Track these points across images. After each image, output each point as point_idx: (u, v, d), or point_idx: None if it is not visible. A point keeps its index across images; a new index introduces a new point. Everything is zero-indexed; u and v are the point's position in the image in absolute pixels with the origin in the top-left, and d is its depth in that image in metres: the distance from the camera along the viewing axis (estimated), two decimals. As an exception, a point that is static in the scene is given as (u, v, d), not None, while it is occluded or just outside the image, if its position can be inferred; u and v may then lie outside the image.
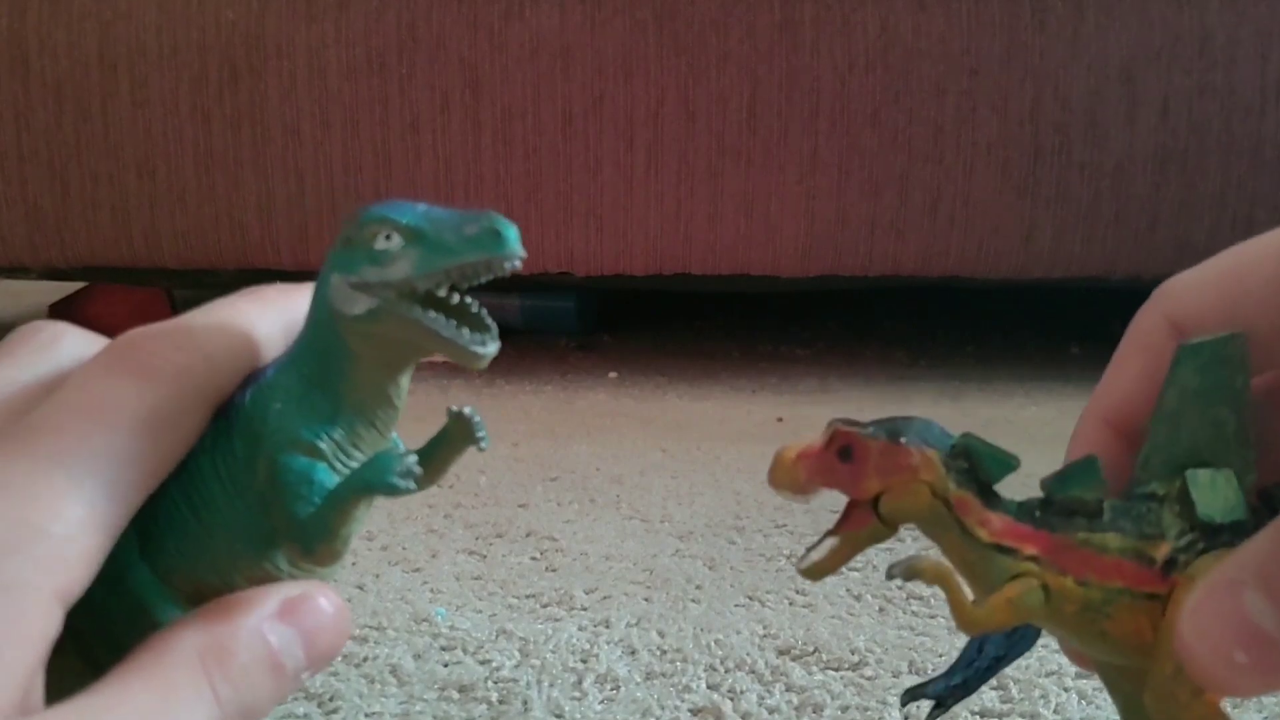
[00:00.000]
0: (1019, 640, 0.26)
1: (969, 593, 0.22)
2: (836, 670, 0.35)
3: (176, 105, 0.80)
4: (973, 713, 0.32)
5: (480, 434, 0.23)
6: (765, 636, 0.38)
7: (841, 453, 0.22)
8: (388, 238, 0.21)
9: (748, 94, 0.78)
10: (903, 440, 0.22)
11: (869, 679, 0.34)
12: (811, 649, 0.37)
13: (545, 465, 0.61)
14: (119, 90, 0.80)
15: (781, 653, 0.36)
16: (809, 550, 0.22)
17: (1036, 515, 0.22)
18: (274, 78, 0.79)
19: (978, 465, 0.22)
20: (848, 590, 0.42)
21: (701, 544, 0.48)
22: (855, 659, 0.36)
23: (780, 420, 0.73)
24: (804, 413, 0.75)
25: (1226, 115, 0.77)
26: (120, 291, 1.07)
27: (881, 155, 0.78)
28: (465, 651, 0.37)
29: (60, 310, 1.14)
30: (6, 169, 0.83)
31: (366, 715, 0.32)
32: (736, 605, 0.41)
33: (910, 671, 0.35)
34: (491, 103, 0.79)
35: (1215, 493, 0.21)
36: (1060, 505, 0.22)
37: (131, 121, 0.81)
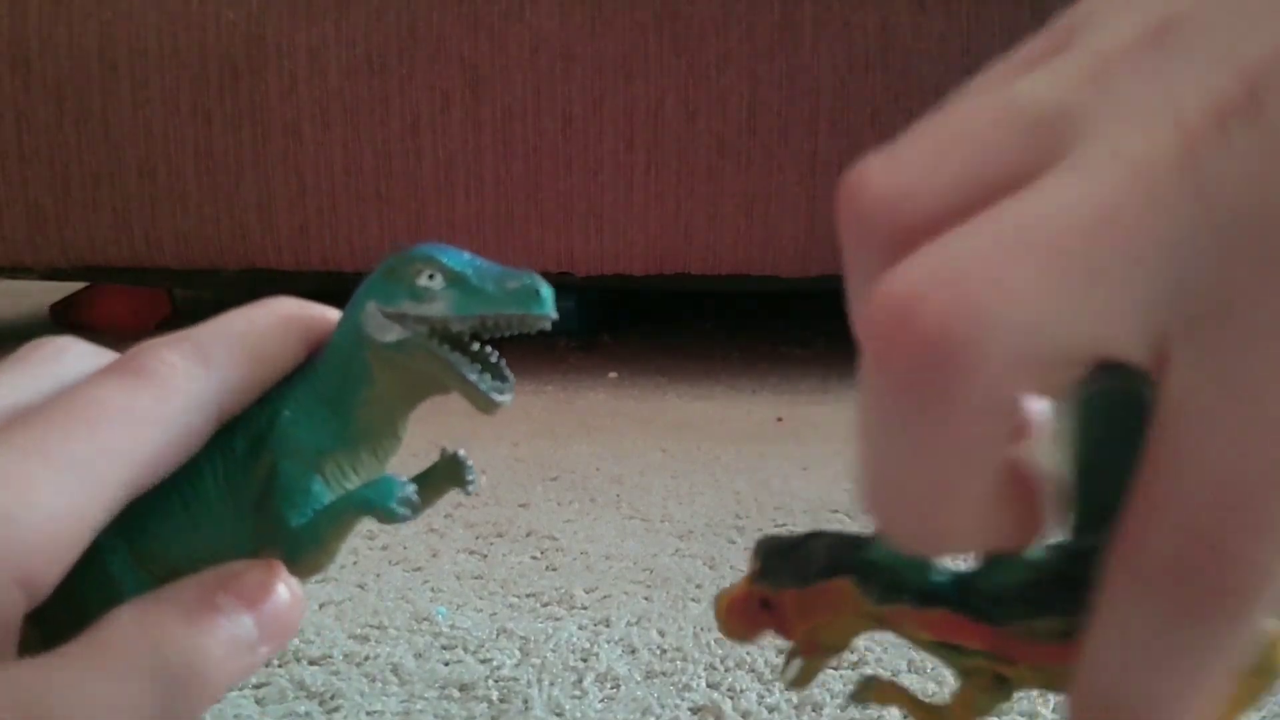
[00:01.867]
0: None
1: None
2: (836, 669, 0.35)
3: (177, 105, 0.80)
4: (972, 712, 0.32)
5: (469, 478, 0.24)
6: (765, 636, 0.38)
7: (762, 604, 0.22)
8: (431, 276, 0.22)
9: (748, 94, 0.78)
10: (816, 582, 0.21)
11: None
12: (811, 648, 0.37)
13: (546, 465, 0.61)
14: (120, 90, 0.81)
15: (781, 652, 0.37)
16: (785, 668, 0.23)
17: (975, 606, 0.20)
18: (274, 78, 0.79)
19: (899, 577, 0.21)
20: (847, 590, 0.42)
21: (701, 543, 0.48)
22: (854, 658, 0.36)
23: (780, 420, 0.73)
24: (804, 413, 0.75)
25: (1226, 115, 0.77)
26: (121, 291, 1.07)
27: (881, 155, 0.78)
28: (466, 650, 0.37)
29: (61, 310, 1.14)
30: (8, 169, 0.83)
31: (368, 714, 0.32)
32: (736, 605, 0.41)
33: (909, 670, 0.35)
34: (492, 103, 0.79)
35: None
36: (996, 592, 0.20)
37: (132, 122, 0.81)
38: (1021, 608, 0.20)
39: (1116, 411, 0.19)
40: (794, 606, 0.22)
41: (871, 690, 0.23)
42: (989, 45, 0.76)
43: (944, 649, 0.21)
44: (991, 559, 0.21)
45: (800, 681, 0.23)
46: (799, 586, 0.21)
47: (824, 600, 0.21)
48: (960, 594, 0.21)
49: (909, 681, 0.34)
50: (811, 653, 0.22)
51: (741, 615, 0.22)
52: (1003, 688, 0.21)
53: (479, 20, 0.78)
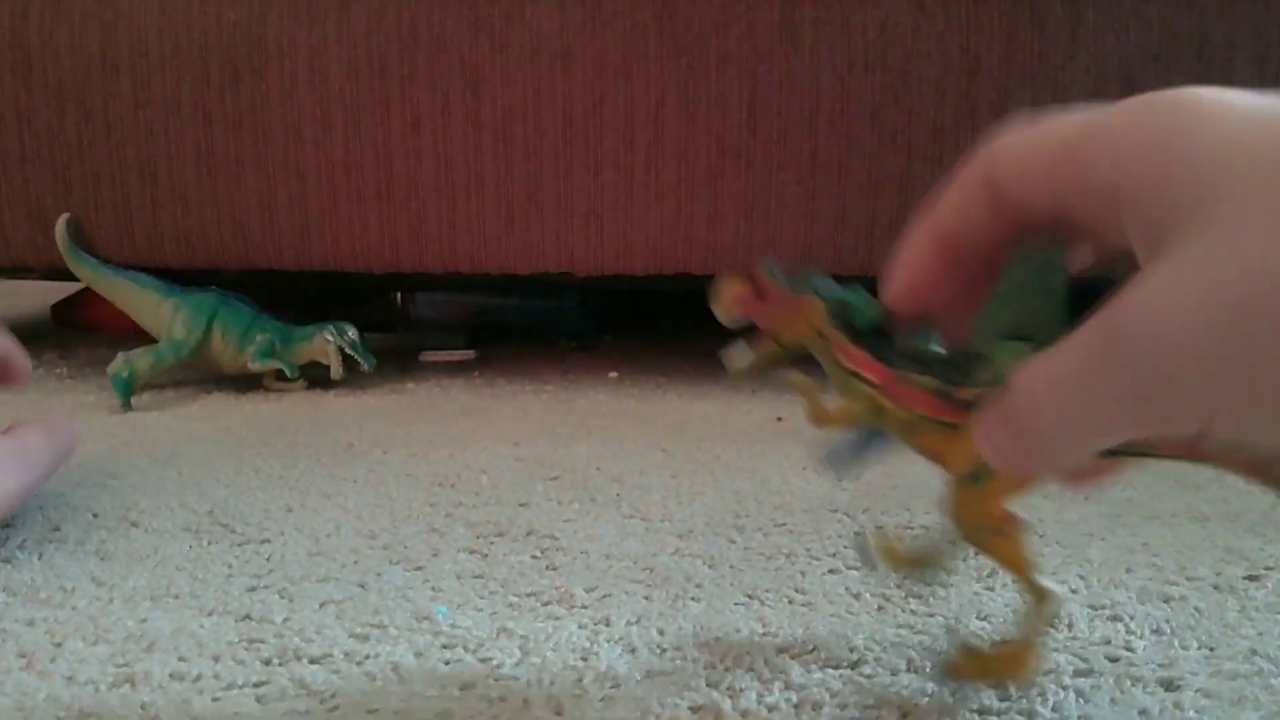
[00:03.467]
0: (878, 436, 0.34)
1: (829, 405, 0.32)
2: (835, 669, 0.35)
3: (178, 106, 0.81)
4: (971, 711, 0.32)
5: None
6: (764, 635, 0.38)
7: (758, 293, 0.31)
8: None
9: (748, 94, 0.78)
10: (800, 291, 0.31)
11: (868, 677, 0.35)
12: (810, 647, 0.37)
13: (546, 465, 0.61)
14: (121, 91, 0.81)
15: (780, 651, 0.37)
16: (728, 351, 0.32)
17: (884, 355, 0.30)
18: (275, 78, 0.79)
19: (852, 315, 0.30)
20: (846, 589, 0.42)
21: (701, 543, 0.48)
22: (854, 657, 0.36)
23: (780, 420, 0.73)
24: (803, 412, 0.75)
25: (1226, 116, 0.77)
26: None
27: (881, 155, 0.78)
28: (466, 649, 0.37)
29: (61, 310, 1.14)
30: (9, 169, 0.83)
31: (368, 712, 0.33)
32: (736, 604, 0.41)
33: (908, 670, 0.35)
34: (492, 103, 0.79)
35: (1011, 360, 0.27)
36: (905, 349, 0.29)
37: (134, 122, 0.81)
38: (915, 365, 0.29)
39: (1036, 268, 0.27)
40: (779, 300, 0.31)
41: (790, 379, 0.33)
42: (989, 45, 0.76)
43: (849, 376, 0.31)
44: (911, 332, 0.29)
45: (742, 373, 0.32)
46: (791, 289, 0.31)
47: (799, 305, 0.31)
48: (880, 343, 0.30)
49: (907, 681, 0.34)
50: (766, 347, 0.32)
51: (740, 296, 0.31)
52: (876, 415, 0.30)
53: (479, 21, 0.78)
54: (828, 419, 0.32)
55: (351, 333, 0.81)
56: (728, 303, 0.32)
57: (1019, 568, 0.31)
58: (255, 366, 0.80)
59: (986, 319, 0.28)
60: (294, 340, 0.81)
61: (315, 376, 0.83)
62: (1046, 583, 0.31)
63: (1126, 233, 0.22)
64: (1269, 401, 0.20)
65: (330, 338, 0.81)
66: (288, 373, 0.81)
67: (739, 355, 0.32)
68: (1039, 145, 0.24)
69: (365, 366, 0.81)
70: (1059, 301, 0.27)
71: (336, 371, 0.81)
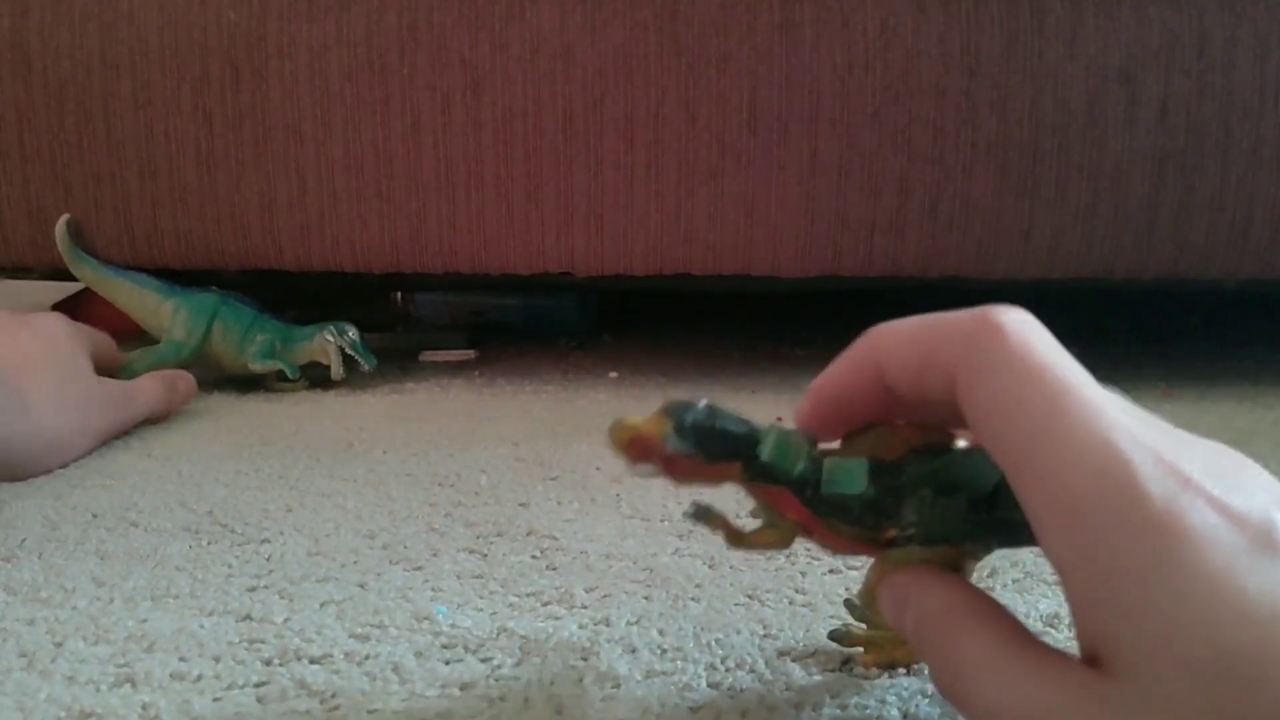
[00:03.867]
0: None
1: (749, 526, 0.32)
2: (836, 670, 0.35)
3: (179, 106, 0.81)
4: (971, 711, 0.32)
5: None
6: (765, 636, 0.38)
7: (664, 461, 0.29)
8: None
9: (748, 94, 0.78)
10: (716, 462, 0.29)
11: (868, 678, 0.35)
12: (811, 649, 0.37)
13: (546, 464, 0.61)
14: (121, 91, 0.81)
15: (782, 652, 0.37)
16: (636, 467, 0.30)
17: (808, 495, 0.29)
18: (276, 78, 0.79)
19: (772, 474, 0.29)
20: (847, 589, 0.42)
21: (701, 543, 0.48)
22: (854, 658, 0.36)
23: (780, 420, 0.73)
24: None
25: (1225, 116, 0.77)
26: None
27: (881, 155, 0.78)
28: (466, 649, 0.37)
29: (62, 310, 1.14)
30: (9, 169, 0.83)
31: (368, 712, 0.33)
32: (736, 604, 0.41)
33: (907, 672, 0.35)
34: (492, 103, 0.79)
35: (944, 520, 0.28)
36: (828, 499, 0.29)
37: (134, 122, 0.81)
38: (838, 513, 0.29)
39: (973, 463, 0.28)
40: (689, 466, 0.29)
41: (705, 516, 0.32)
42: (989, 45, 0.76)
43: (769, 508, 0.30)
44: (833, 469, 0.29)
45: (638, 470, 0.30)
46: (702, 459, 0.29)
47: (715, 471, 0.29)
48: (803, 486, 0.29)
49: (907, 682, 0.34)
50: (676, 482, 0.30)
51: (641, 454, 0.29)
52: (791, 542, 0.31)
53: (479, 21, 0.78)
54: (746, 544, 0.31)
55: (352, 333, 0.81)
56: (630, 456, 0.29)
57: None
58: (256, 367, 0.80)
59: (923, 467, 0.28)
60: (294, 340, 0.81)
61: (316, 377, 0.83)
62: None
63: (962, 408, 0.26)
64: None
65: (330, 338, 0.81)
66: (288, 373, 0.81)
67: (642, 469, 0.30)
68: (914, 336, 0.28)
69: (366, 367, 0.81)
70: (987, 473, 0.28)
71: (337, 372, 0.81)
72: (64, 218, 0.82)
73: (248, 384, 0.83)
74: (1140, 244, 0.79)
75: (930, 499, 0.28)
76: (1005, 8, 0.76)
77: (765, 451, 0.29)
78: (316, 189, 0.81)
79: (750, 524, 0.32)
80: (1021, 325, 0.25)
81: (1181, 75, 0.76)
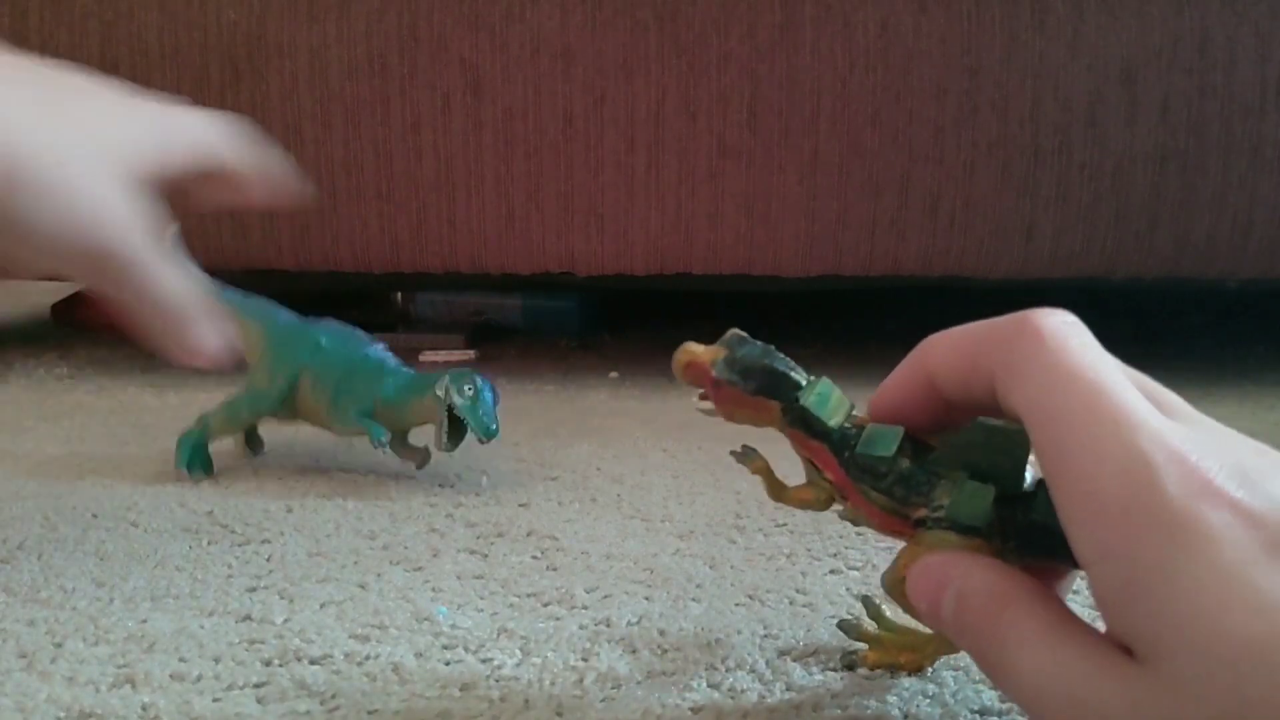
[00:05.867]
0: None
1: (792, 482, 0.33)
2: (836, 670, 0.35)
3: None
4: (972, 711, 0.32)
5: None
6: (765, 636, 0.38)
7: (714, 382, 0.31)
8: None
9: (748, 94, 0.78)
10: (758, 396, 0.30)
11: (869, 678, 0.35)
12: (812, 649, 0.37)
13: (546, 465, 0.61)
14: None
15: (782, 653, 0.37)
16: (700, 402, 0.32)
17: (845, 456, 0.30)
18: (275, 78, 0.79)
19: (808, 419, 0.30)
20: (847, 589, 0.42)
21: (702, 543, 0.48)
22: (855, 658, 0.36)
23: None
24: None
25: (1226, 116, 0.77)
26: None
27: (881, 155, 0.78)
28: (467, 650, 0.37)
29: (62, 310, 1.14)
30: (8, 169, 0.83)
31: (368, 713, 0.32)
32: (737, 604, 0.41)
33: (908, 672, 0.35)
34: (492, 103, 0.79)
35: (971, 502, 0.28)
36: (861, 461, 0.30)
37: (133, 122, 0.81)
38: (870, 478, 0.29)
39: (998, 435, 0.28)
40: (733, 397, 0.31)
41: (749, 459, 0.33)
42: (989, 45, 0.76)
43: (811, 465, 0.31)
44: (870, 435, 0.30)
45: (705, 409, 0.32)
46: (744, 389, 0.30)
47: (755, 406, 0.31)
48: (840, 445, 0.30)
49: (908, 682, 0.34)
50: (723, 414, 0.32)
51: (695, 378, 0.31)
52: (831, 503, 0.31)
53: (479, 21, 0.78)
54: (785, 498, 0.32)
55: (469, 388, 0.55)
56: (686, 378, 0.31)
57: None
58: (339, 431, 0.59)
59: (956, 446, 0.29)
60: (404, 396, 0.57)
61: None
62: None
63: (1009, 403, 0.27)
64: None
65: (443, 393, 0.55)
66: (373, 439, 0.56)
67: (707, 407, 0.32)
68: (963, 343, 0.29)
69: (482, 438, 0.54)
70: (1019, 465, 0.28)
71: (439, 442, 0.55)
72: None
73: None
74: (1141, 243, 0.79)
75: (962, 482, 0.28)
76: (1006, 8, 0.76)
77: (805, 396, 0.30)
78: (316, 189, 0.81)
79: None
80: (1060, 328, 0.26)
81: (1183, 75, 0.76)
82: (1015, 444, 0.27)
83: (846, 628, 0.36)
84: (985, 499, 0.28)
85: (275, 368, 0.59)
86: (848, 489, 0.30)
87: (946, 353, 0.29)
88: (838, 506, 0.32)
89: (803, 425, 0.30)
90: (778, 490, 0.33)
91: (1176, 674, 0.22)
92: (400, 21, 0.78)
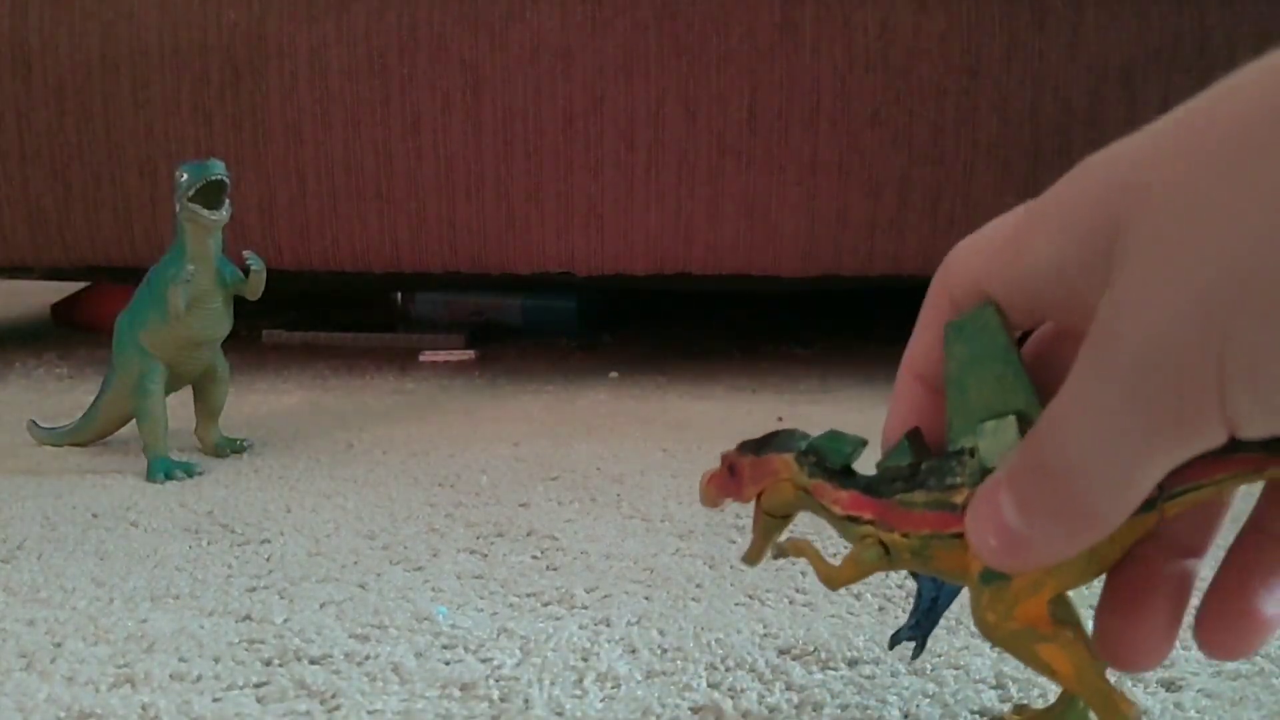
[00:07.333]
0: (945, 584, 0.31)
1: (834, 560, 0.29)
2: (836, 669, 0.35)
3: (178, 105, 0.80)
4: (972, 712, 0.32)
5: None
6: (765, 635, 0.38)
7: (729, 470, 0.30)
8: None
9: (748, 94, 0.78)
10: (765, 453, 0.29)
11: (869, 678, 0.35)
12: (811, 648, 0.37)
13: (546, 465, 0.61)
14: (121, 91, 0.81)
15: (782, 652, 0.37)
16: (746, 552, 0.30)
17: (872, 488, 0.28)
18: (275, 78, 0.79)
19: (824, 457, 0.29)
20: (847, 589, 0.42)
21: (702, 543, 0.48)
22: (855, 658, 0.36)
23: (780, 420, 0.73)
24: (804, 412, 0.75)
25: (1226, 115, 0.77)
26: (122, 291, 1.07)
27: (881, 155, 0.78)
28: (466, 650, 0.37)
29: (62, 310, 1.14)
30: (9, 169, 0.83)
31: (369, 713, 0.32)
32: (737, 604, 0.41)
33: (908, 671, 0.35)
34: (492, 103, 0.79)
35: (998, 438, 0.25)
36: (886, 475, 0.28)
37: (133, 122, 0.81)
38: (901, 485, 0.27)
39: (974, 336, 0.26)
40: (750, 472, 0.29)
41: (787, 546, 0.30)
42: (989, 45, 0.76)
43: (846, 521, 0.28)
44: (886, 453, 0.28)
45: (751, 555, 0.30)
46: (754, 455, 0.29)
47: (769, 468, 0.29)
48: (863, 478, 0.28)
49: (908, 682, 0.34)
50: (760, 524, 0.30)
51: (714, 482, 0.30)
52: (884, 554, 0.28)
53: (479, 21, 0.78)
54: (839, 577, 0.29)
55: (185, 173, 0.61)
56: (708, 493, 0.30)
57: (1075, 679, 0.26)
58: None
59: (955, 412, 0.26)
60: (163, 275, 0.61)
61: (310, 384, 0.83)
62: (1120, 694, 0.26)
63: (1084, 300, 0.22)
64: (1268, 367, 0.19)
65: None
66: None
67: (746, 546, 0.31)
68: (981, 247, 0.26)
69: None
70: (1012, 362, 0.26)
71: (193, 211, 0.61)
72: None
73: (246, 385, 0.83)
74: (1141, 244, 0.79)
75: (979, 427, 0.26)
76: (1006, 7, 0.76)
77: (811, 439, 0.29)
78: (316, 189, 0.81)
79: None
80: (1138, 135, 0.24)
81: (1182, 74, 0.76)
82: (991, 336, 0.25)
83: None
84: (1010, 430, 0.25)
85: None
86: (886, 515, 0.27)
87: (960, 257, 0.27)
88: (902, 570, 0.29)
89: (821, 471, 0.28)
90: (830, 573, 0.29)
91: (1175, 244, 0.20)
92: (400, 21, 0.78)
